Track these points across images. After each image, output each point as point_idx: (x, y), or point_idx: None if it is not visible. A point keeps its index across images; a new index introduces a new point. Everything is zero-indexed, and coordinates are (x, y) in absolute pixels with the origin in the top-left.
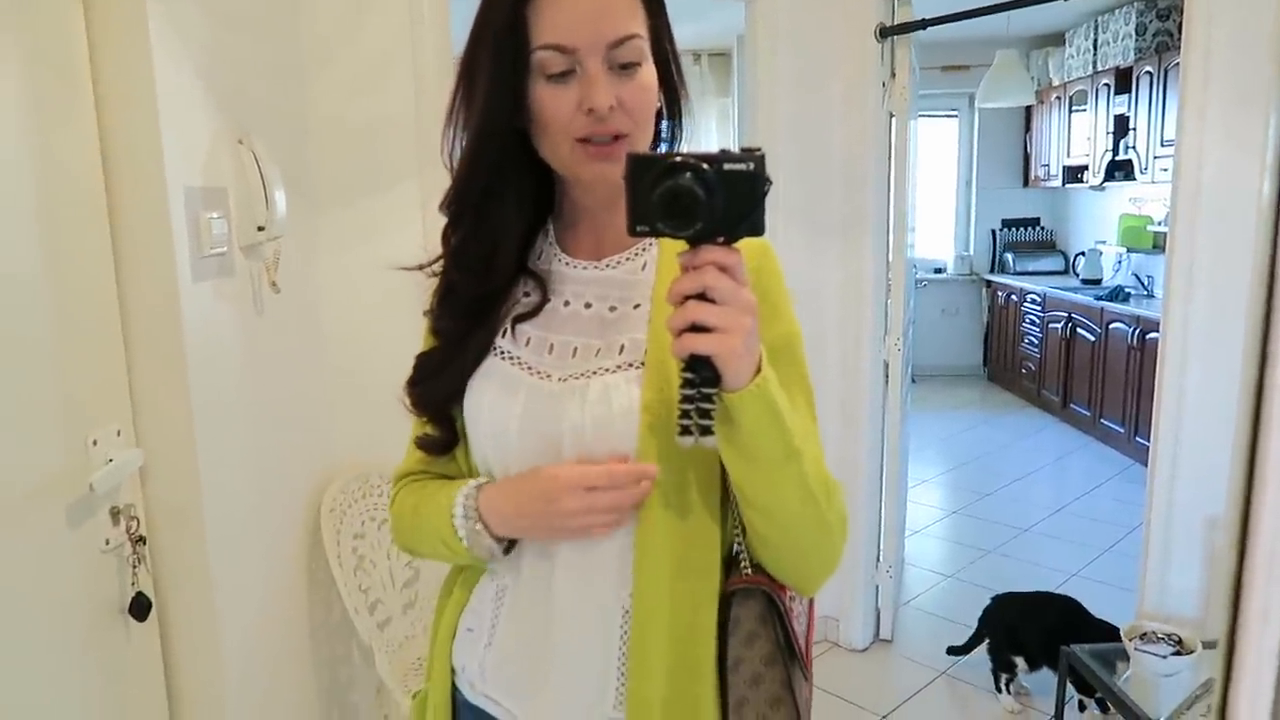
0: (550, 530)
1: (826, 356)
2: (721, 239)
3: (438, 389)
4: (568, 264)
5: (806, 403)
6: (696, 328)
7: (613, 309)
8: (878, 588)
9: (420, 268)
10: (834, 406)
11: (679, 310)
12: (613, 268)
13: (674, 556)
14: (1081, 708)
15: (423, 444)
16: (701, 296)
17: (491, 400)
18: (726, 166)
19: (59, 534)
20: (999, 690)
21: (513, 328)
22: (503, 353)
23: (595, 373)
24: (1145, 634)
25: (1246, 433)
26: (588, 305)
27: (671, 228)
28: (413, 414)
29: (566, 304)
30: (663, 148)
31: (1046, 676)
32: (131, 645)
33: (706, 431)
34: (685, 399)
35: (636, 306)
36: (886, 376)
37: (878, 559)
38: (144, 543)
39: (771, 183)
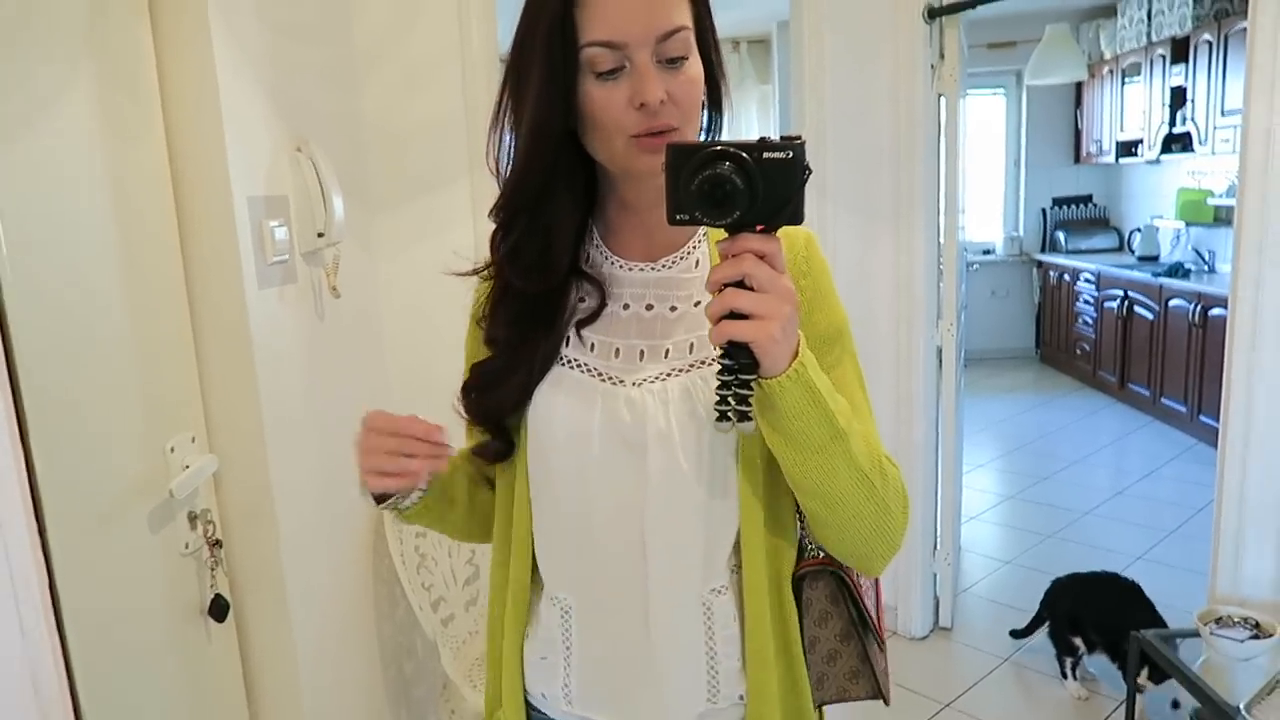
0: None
1: (879, 343)
2: (760, 227)
3: (502, 398)
4: (621, 266)
5: (859, 384)
6: (734, 315)
7: (673, 309)
8: (935, 575)
9: (473, 272)
10: (887, 393)
11: (717, 297)
12: (668, 268)
13: (768, 545)
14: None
15: (479, 451)
16: (740, 284)
17: (566, 410)
18: (766, 155)
19: (142, 538)
20: (1064, 676)
21: (577, 333)
22: (569, 360)
23: (670, 374)
24: (1220, 618)
25: None
26: (649, 307)
27: (710, 216)
28: (468, 422)
29: (626, 307)
30: (702, 138)
31: (1112, 664)
32: (212, 645)
33: (745, 418)
34: (723, 385)
35: (697, 304)
36: (940, 361)
37: (935, 546)
38: (220, 546)
39: (811, 171)
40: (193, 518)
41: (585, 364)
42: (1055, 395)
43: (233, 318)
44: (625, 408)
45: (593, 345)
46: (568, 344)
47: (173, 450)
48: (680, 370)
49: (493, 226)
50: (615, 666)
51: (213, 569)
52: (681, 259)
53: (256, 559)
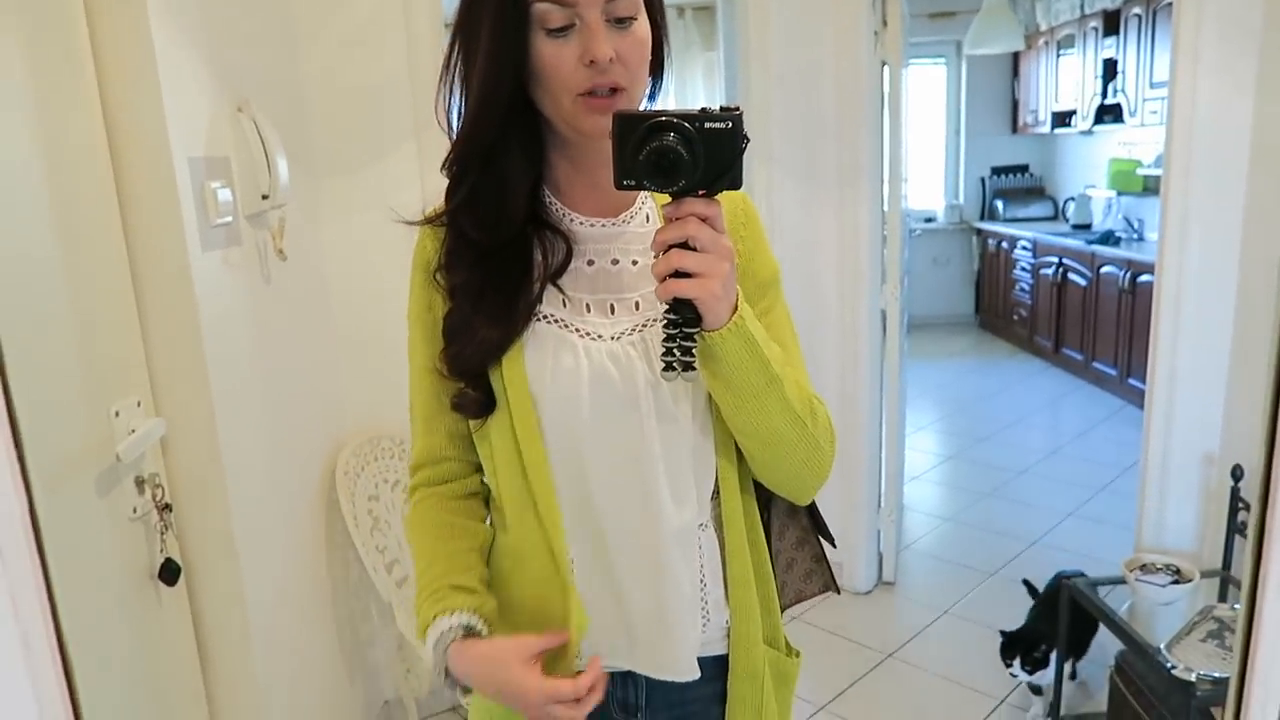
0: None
1: (825, 307)
2: (702, 192)
3: (484, 351)
4: (580, 223)
5: (790, 328)
6: (679, 274)
7: (635, 262)
8: (879, 532)
9: (425, 221)
10: (832, 357)
11: (663, 258)
12: (626, 223)
13: (740, 477)
14: (1073, 676)
15: (458, 406)
16: (684, 245)
17: (553, 367)
18: (708, 125)
19: (89, 503)
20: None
21: (551, 287)
22: (546, 316)
23: (645, 325)
24: (1144, 565)
25: None
26: (614, 261)
27: (657, 185)
28: (450, 379)
29: (591, 263)
30: (644, 104)
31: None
32: (163, 609)
33: (688, 367)
34: (668, 338)
35: (657, 256)
36: (884, 325)
37: (879, 504)
38: (170, 510)
39: (749, 140)
40: (140, 482)
41: (561, 319)
42: (993, 360)
43: (176, 281)
44: (610, 362)
45: (564, 301)
46: (541, 299)
47: (118, 415)
48: (654, 321)
49: (444, 183)
50: (617, 614)
51: (162, 533)
52: (634, 216)
53: (207, 523)
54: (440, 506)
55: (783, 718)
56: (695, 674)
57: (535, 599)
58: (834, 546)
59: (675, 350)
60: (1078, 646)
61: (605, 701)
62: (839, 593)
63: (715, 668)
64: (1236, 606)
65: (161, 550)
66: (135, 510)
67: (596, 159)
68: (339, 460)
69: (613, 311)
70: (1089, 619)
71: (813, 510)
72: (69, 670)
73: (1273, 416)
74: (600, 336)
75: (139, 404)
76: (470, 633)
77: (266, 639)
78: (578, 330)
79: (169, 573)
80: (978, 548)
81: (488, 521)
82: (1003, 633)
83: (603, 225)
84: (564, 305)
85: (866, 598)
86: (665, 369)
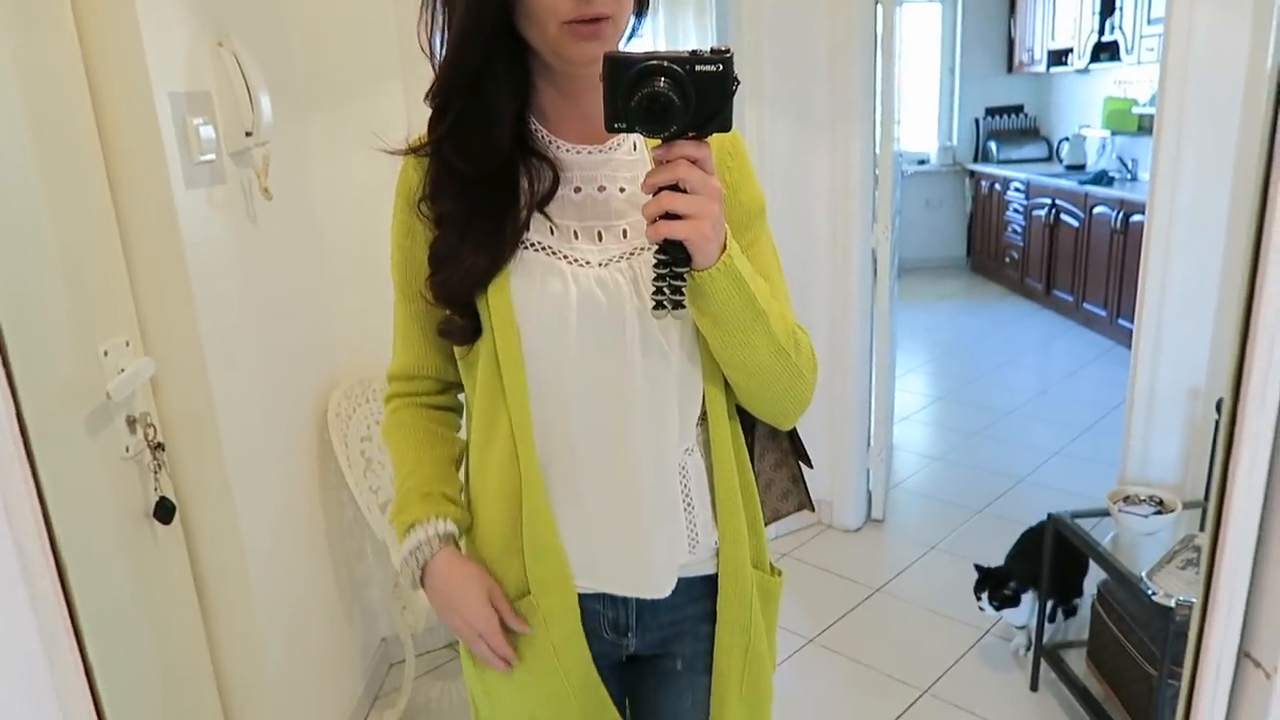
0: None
1: (816, 248)
2: (692, 134)
3: (471, 278)
4: (566, 150)
5: (775, 258)
6: (670, 215)
7: (621, 190)
8: (869, 471)
9: (409, 151)
10: (824, 297)
11: (654, 200)
12: (613, 150)
13: (727, 404)
14: (1072, 614)
15: (445, 332)
16: (674, 187)
17: (540, 294)
18: (698, 68)
19: (80, 442)
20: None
21: (538, 214)
22: (533, 244)
23: (634, 253)
24: (1128, 497)
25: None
26: (601, 189)
27: (649, 130)
28: (436, 307)
29: (577, 190)
30: (627, 39)
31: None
32: (160, 548)
33: (678, 305)
34: (659, 277)
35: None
36: (875, 266)
37: (868, 443)
38: (162, 449)
39: (739, 82)
40: (131, 421)
41: (548, 246)
42: (984, 302)
43: (161, 219)
44: (598, 288)
45: (551, 229)
46: (529, 227)
47: (106, 354)
48: (642, 249)
49: (428, 112)
50: (596, 536)
51: (155, 472)
52: (620, 143)
53: (200, 462)
54: (419, 415)
55: (769, 634)
56: (668, 591)
57: (502, 521)
58: (810, 468)
59: (665, 289)
60: (1066, 587)
61: (596, 622)
62: (813, 510)
63: (704, 587)
64: None
65: (156, 489)
66: (128, 449)
67: (583, 86)
68: (330, 402)
69: (600, 239)
70: (1078, 560)
71: (792, 434)
72: (73, 611)
73: (1247, 309)
74: (588, 263)
75: (127, 344)
76: (451, 543)
77: (264, 577)
78: (565, 257)
79: (164, 511)
80: (965, 486)
81: (462, 429)
82: (977, 567)
83: (589, 152)
84: (551, 233)
85: (856, 535)
86: (655, 307)
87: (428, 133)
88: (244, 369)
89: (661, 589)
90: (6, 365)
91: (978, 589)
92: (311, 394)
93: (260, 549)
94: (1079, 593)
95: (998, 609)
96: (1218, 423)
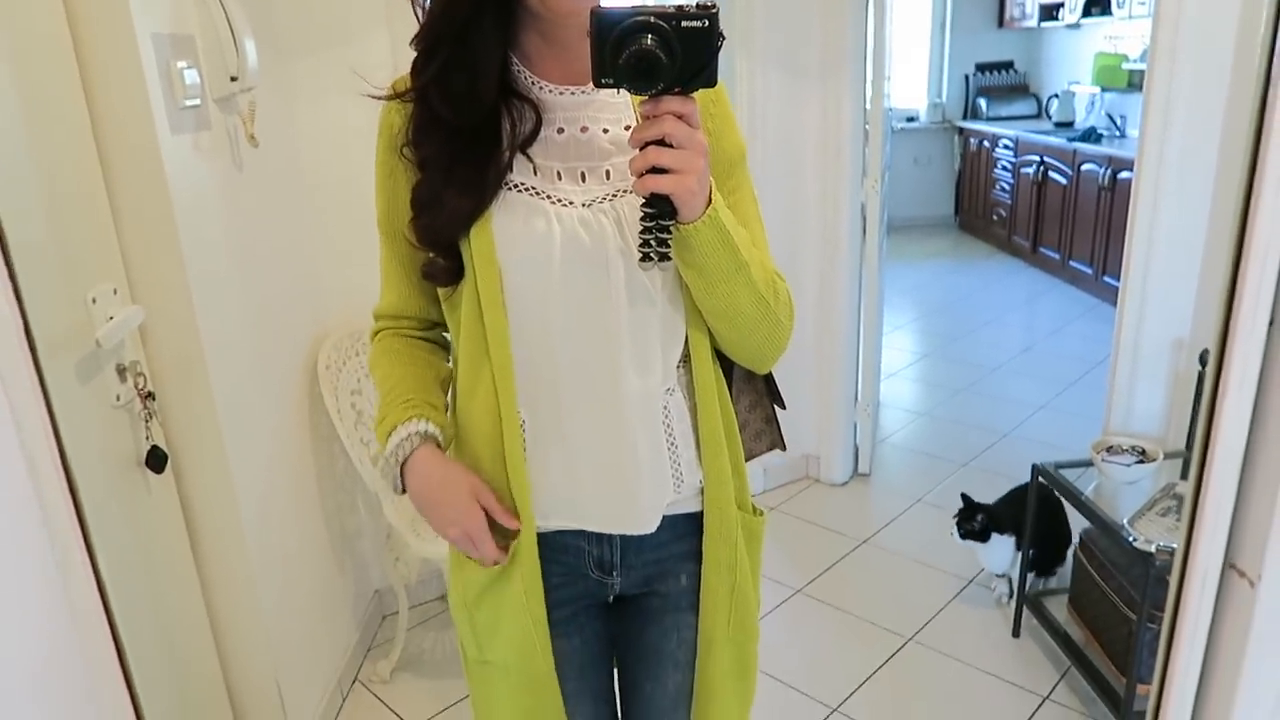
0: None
1: (806, 202)
2: (678, 90)
3: (454, 221)
4: (550, 91)
5: (754, 206)
6: (656, 169)
7: (605, 130)
8: (856, 426)
9: (393, 96)
10: (813, 251)
11: (640, 154)
12: (596, 91)
13: (710, 345)
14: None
15: (429, 274)
16: (660, 142)
17: (524, 234)
18: (684, 24)
19: (71, 389)
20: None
21: (521, 155)
22: (515, 185)
23: (617, 194)
24: (1111, 447)
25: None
26: (584, 129)
27: (636, 88)
28: (420, 249)
29: (560, 131)
30: None
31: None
32: (152, 496)
33: (664, 257)
34: (645, 230)
35: (627, 127)
36: (864, 221)
37: (856, 398)
38: (153, 398)
39: (725, 38)
40: (121, 370)
41: (532, 187)
42: (971, 261)
43: (146, 162)
44: (582, 228)
45: (535, 169)
46: (511, 168)
47: (95, 301)
48: (625, 191)
49: (414, 56)
50: (582, 474)
51: (147, 421)
52: None
53: (191, 411)
54: (405, 341)
55: (754, 574)
56: (653, 527)
57: (483, 460)
58: (784, 409)
59: (652, 241)
60: (1047, 556)
61: (582, 560)
62: (784, 449)
63: (687, 525)
64: None
65: (147, 438)
66: (118, 398)
67: (569, 34)
68: (320, 354)
69: (584, 179)
70: (1063, 530)
71: (767, 376)
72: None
73: (1236, 252)
74: (572, 203)
75: (115, 291)
76: (432, 442)
77: (256, 528)
78: (549, 197)
79: (156, 460)
80: (951, 440)
81: (449, 362)
82: (963, 496)
83: (571, 93)
84: (535, 174)
85: (843, 489)
86: (642, 259)
87: (411, 76)
88: (233, 317)
89: (647, 525)
90: (23, 312)
91: (957, 516)
92: (302, 344)
93: (252, 499)
94: (1061, 561)
95: (962, 538)
96: (1200, 373)
